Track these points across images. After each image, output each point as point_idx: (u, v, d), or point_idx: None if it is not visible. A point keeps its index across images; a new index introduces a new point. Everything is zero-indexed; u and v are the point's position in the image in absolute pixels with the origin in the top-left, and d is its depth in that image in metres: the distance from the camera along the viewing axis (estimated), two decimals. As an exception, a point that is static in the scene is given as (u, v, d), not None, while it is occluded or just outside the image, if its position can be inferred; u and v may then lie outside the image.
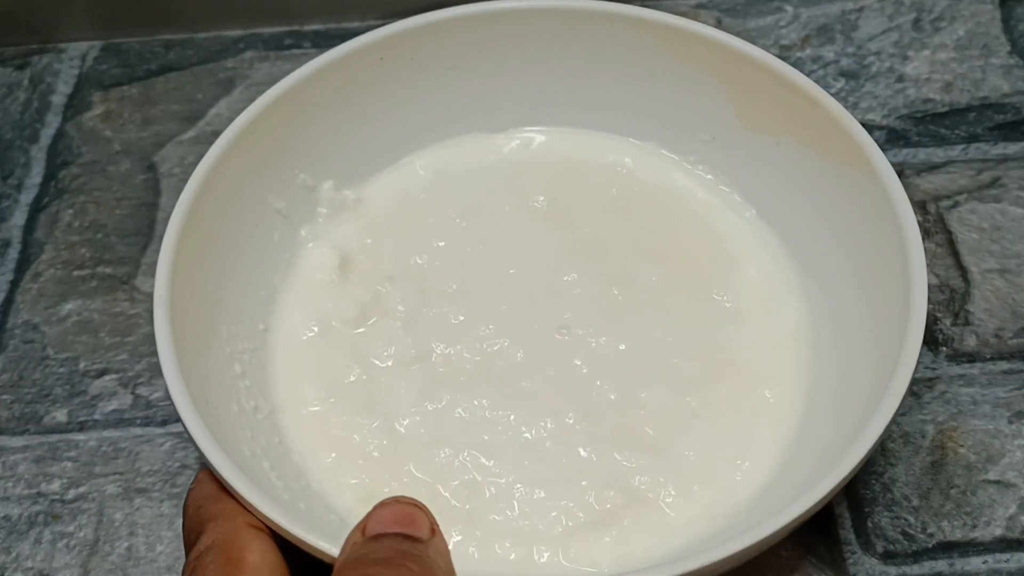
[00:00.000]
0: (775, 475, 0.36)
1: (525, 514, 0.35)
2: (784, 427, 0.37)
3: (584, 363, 0.38)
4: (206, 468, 0.32)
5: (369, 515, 0.30)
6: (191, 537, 0.31)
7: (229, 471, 0.31)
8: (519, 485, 0.36)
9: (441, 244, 0.42)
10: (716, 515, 0.35)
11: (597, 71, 0.43)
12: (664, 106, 0.43)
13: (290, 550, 0.31)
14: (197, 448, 0.32)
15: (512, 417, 0.37)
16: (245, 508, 0.31)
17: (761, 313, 0.40)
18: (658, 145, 0.44)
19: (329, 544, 0.30)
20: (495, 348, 0.39)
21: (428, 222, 0.43)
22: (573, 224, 0.42)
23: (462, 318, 0.40)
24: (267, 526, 0.31)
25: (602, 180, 0.44)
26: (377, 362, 0.39)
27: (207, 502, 0.31)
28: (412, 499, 0.31)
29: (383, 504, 0.30)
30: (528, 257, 0.41)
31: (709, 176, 0.43)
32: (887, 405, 0.32)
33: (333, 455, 0.37)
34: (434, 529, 0.30)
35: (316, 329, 0.40)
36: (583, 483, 0.36)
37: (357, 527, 0.30)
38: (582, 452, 0.36)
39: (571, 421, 0.37)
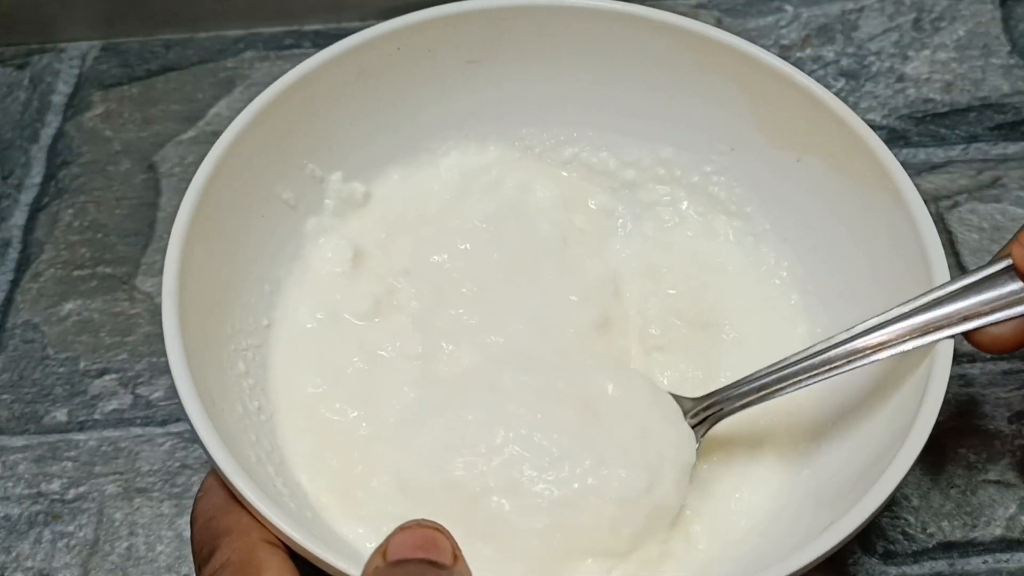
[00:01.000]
0: (777, 507, 0.35)
1: (526, 536, 0.34)
2: (786, 459, 0.36)
3: (592, 392, 0.37)
4: (213, 475, 0.31)
5: (390, 538, 0.28)
6: (203, 552, 0.30)
7: (245, 485, 0.30)
8: (520, 507, 0.34)
9: (464, 247, 0.41)
10: (715, 544, 0.35)
11: (616, 73, 0.42)
12: (683, 112, 0.42)
13: (304, 566, 0.30)
14: (209, 457, 0.31)
15: (513, 435, 0.36)
16: (260, 523, 0.30)
17: (767, 338, 0.39)
18: (675, 151, 0.43)
19: (347, 564, 0.29)
20: (507, 357, 0.38)
21: (450, 223, 0.42)
22: (588, 247, 0.42)
23: (475, 321, 0.39)
24: (282, 541, 0.30)
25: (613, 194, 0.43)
26: (383, 353, 0.38)
27: (218, 513, 0.30)
28: (434, 523, 0.29)
29: (404, 527, 0.28)
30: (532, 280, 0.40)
31: (724, 188, 0.42)
32: (910, 447, 0.31)
33: (335, 462, 0.36)
34: (456, 555, 0.28)
35: (321, 317, 0.39)
36: (584, 507, 0.34)
37: (377, 551, 0.28)
38: (585, 477, 0.35)
39: (574, 440, 0.36)
